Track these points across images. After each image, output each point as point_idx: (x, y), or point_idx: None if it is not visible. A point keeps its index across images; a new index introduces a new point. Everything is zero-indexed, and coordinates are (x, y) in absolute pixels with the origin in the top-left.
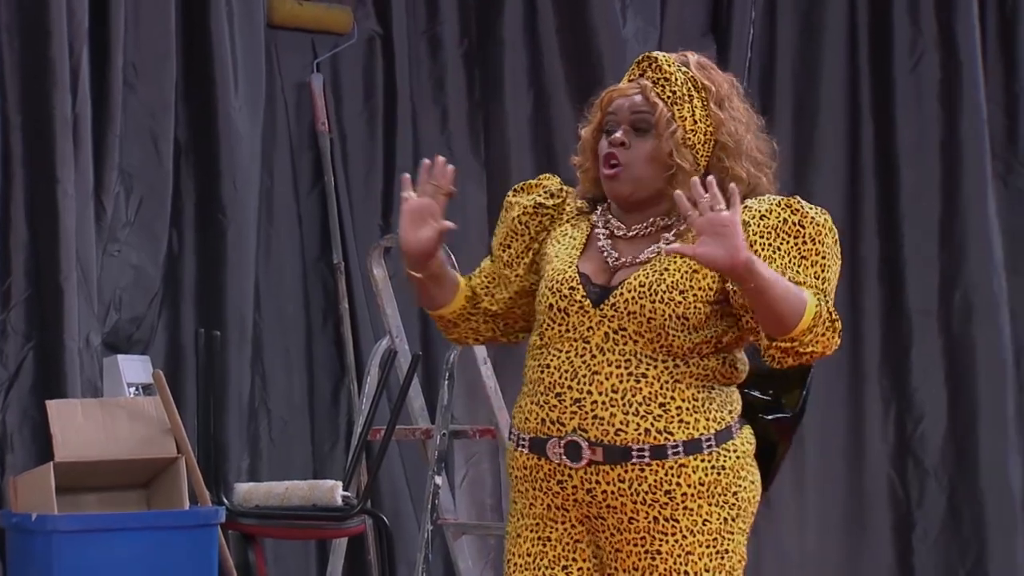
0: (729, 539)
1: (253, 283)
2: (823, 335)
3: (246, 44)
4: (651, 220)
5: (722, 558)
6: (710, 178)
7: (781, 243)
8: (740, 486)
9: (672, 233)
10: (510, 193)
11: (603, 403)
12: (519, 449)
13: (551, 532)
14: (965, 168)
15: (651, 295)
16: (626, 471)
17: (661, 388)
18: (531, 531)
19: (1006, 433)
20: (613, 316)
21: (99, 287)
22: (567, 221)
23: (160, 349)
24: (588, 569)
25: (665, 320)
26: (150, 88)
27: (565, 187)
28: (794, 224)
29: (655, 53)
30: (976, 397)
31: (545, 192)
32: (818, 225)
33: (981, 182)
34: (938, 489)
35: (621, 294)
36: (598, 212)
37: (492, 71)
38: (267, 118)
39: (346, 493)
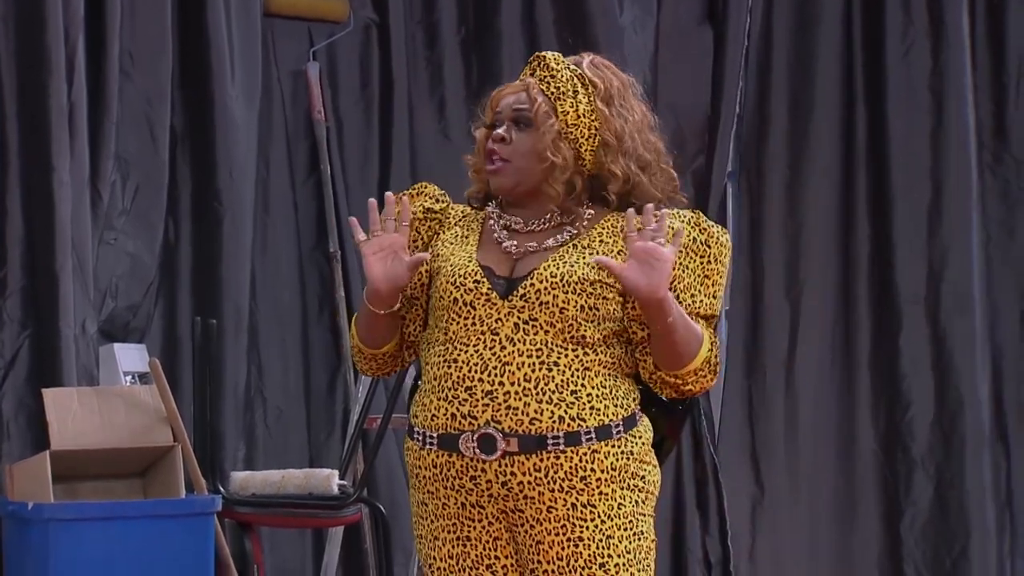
0: (642, 521)
1: (249, 272)
2: (704, 377)
3: (242, 32)
4: (548, 216)
5: (639, 540)
6: (663, 211)
7: (689, 261)
8: (646, 470)
9: (573, 228)
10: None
11: (516, 393)
12: (427, 447)
13: (469, 531)
14: (953, 157)
15: (563, 286)
16: (541, 460)
17: (572, 376)
18: (449, 532)
19: (988, 421)
20: (523, 307)
21: (95, 275)
22: (455, 224)
23: (156, 338)
24: (511, 566)
25: (577, 311)
26: (146, 77)
27: (443, 193)
28: (701, 243)
29: (546, 52)
30: (962, 386)
31: (430, 198)
32: (721, 246)
33: (966, 171)
34: (925, 478)
35: (532, 284)
36: (490, 208)
37: (489, 60)
38: (263, 107)
39: (342, 482)
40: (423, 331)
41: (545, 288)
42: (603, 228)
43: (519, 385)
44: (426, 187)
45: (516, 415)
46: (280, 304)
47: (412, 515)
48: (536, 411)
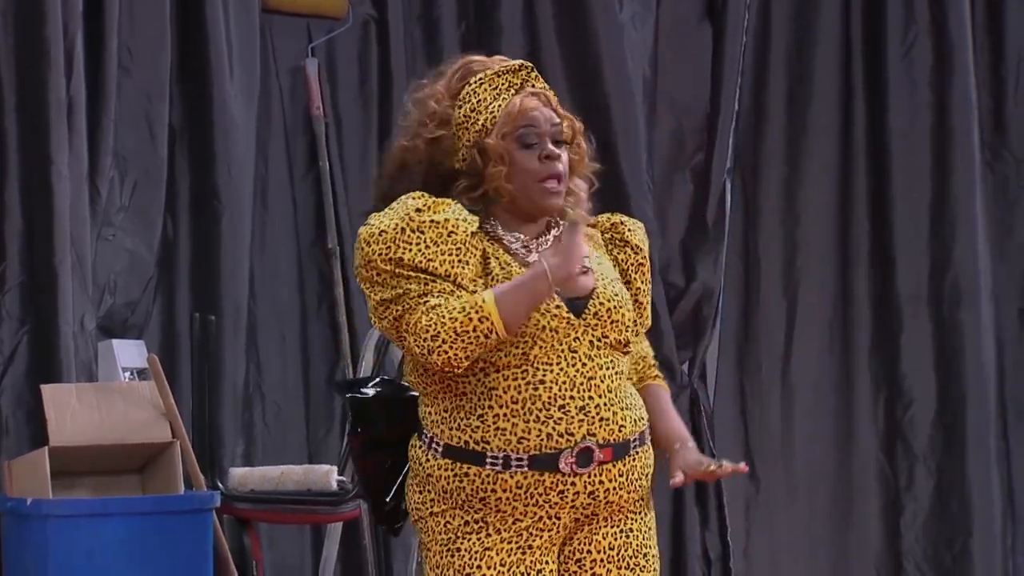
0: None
1: (248, 268)
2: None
3: (241, 28)
4: (548, 229)
5: (656, 534)
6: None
7: (644, 279)
8: None
9: (555, 230)
10: (415, 215)
11: (604, 405)
12: (511, 471)
13: (533, 540)
14: (954, 154)
15: (623, 303)
16: (624, 464)
17: (626, 382)
18: (509, 543)
19: (989, 418)
20: (596, 324)
21: (94, 271)
22: (477, 240)
23: (155, 334)
24: (555, 570)
25: (629, 324)
26: (145, 72)
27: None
28: (645, 256)
29: (526, 63)
30: (965, 383)
31: (456, 206)
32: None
33: (969, 168)
34: (926, 474)
35: (602, 304)
36: (500, 230)
37: (489, 56)
38: (262, 103)
39: (341, 478)
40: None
41: (614, 306)
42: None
43: (604, 397)
44: (434, 197)
45: (608, 425)
46: (279, 300)
47: (442, 533)
48: (622, 419)
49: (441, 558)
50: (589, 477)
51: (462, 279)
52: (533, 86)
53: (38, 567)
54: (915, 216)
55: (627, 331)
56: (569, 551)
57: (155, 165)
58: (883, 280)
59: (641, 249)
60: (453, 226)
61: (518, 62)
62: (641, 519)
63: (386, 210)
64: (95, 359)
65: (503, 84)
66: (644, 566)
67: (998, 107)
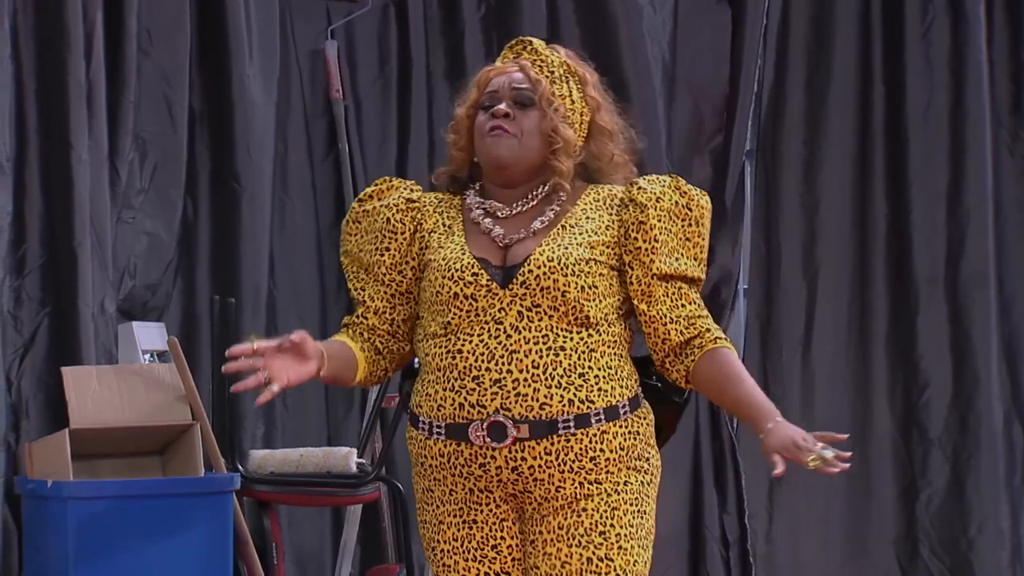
0: (647, 502)
1: (267, 250)
2: None
3: (260, 11)
4: (528, 195)
5: (642, 518)
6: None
7: (671, 225)
8: (651, 453)
9: (556, 206)
10: (356, 205)
11: (524, 380)
12: (433, 437)
13: (476, 515)
14: (971, 136)
15: (562, 269)
16: (552, 443)
17: (579, 359)
18: (455, 516)
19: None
20: (525, 294)
21: (114, 254)
22: (433, 212)
23: (175, 316)
24: (515, 546)
25: (578, 292)
26: (164, 54)
27: (415, 183)
28: (683, 207)
29: (528, 38)
30: (979, 367)
31: (405, 189)
32: (702, 208)
33: (985, 151)
34: (942, 458)
35: (531, 271)
36: (470, 195)
37: (508, 38)
38: (281, 85)
39: (360, 460)
40: (418, 321)
41: (544, 273)
42: (586, 204)
43: (527, 372)
44: (393, 180)
45: (526, 401)
46: (298, 282)
47: (416, 501)
48: (546, 396)
49: (420, 528)
50: (510, 452)
51: (380, 267)
52: (519, 57)
53: (59, 549)
54: (932, 198)
55: (568, 297)
56: (525, 534)
57: (175, 147)
58: (899, 263)
59: (645, 207)
60: (376, 214)
61: (517, 38)
62: (599, 500)
63: None
64: (115, 341)
65: (499, 61)
66: (601, 543)
67: (1016, 89)
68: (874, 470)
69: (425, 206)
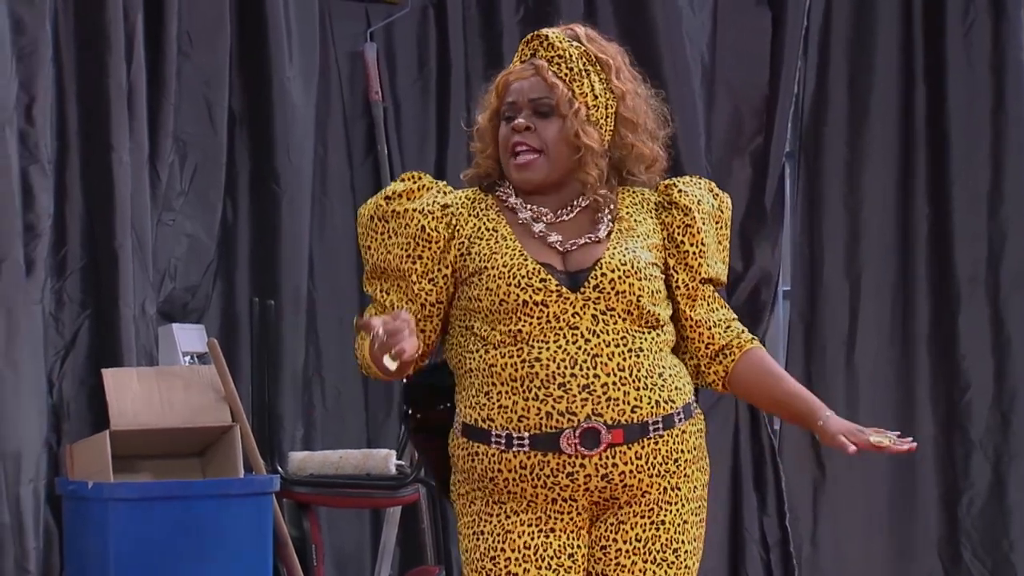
0: (705, 505)
1: (307, 252)
2: None
3: (300, 13)
4: (573, 203)
5: (702, 526)
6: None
7: (711, 228)
8: (707, 450)
9: (607, 213)
10: (383, 202)
11: (613, 383)
12: (513, 450)
13: (555, 523)
14: (1012, 136)
15: (635, 273)
16: (643, 447)
17: (655, 359)
18: (530, 525)
19: None
20: (599, 298)
21: (154, 256)
22: (469, 215)
23: (215, 318)
24: (585, 555)
25: (649, 295)
26: (204, 57)
27: (443, 182)
28: (716, 209)
29: (544, 31)
30: (1021, 368)
31: (439, 192)
32: (729, 210)
33: None
34: (983, 459)
35: (604, 275)
36: (509, 196)
37: None
38: (321, 87)
39: (400, 462)
40: (444, 334)
41: (620, 277)
42: (629, 207)
43: (615, 375)
44: (423, 178)
45: (618, 405)
46: (338, 284)
47: (467, 515)
48: (636, 399)
49: (468, 542)
50: (600, 459)
51: (411, 275)
52: (536, 54)
53: (99, 550)
54: (974, 199)
55: (643, 301)
56: (596, 535)
57: (215, 149)
58: (941, 263)
59: (691, 210)
60: (409, 218)
61: (533, 33)
62: (676, 511)
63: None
64: (156, 343)
65: (516, 59)
66: (673, 562)
67: None
68: (918, 471)
69: (459, 210)
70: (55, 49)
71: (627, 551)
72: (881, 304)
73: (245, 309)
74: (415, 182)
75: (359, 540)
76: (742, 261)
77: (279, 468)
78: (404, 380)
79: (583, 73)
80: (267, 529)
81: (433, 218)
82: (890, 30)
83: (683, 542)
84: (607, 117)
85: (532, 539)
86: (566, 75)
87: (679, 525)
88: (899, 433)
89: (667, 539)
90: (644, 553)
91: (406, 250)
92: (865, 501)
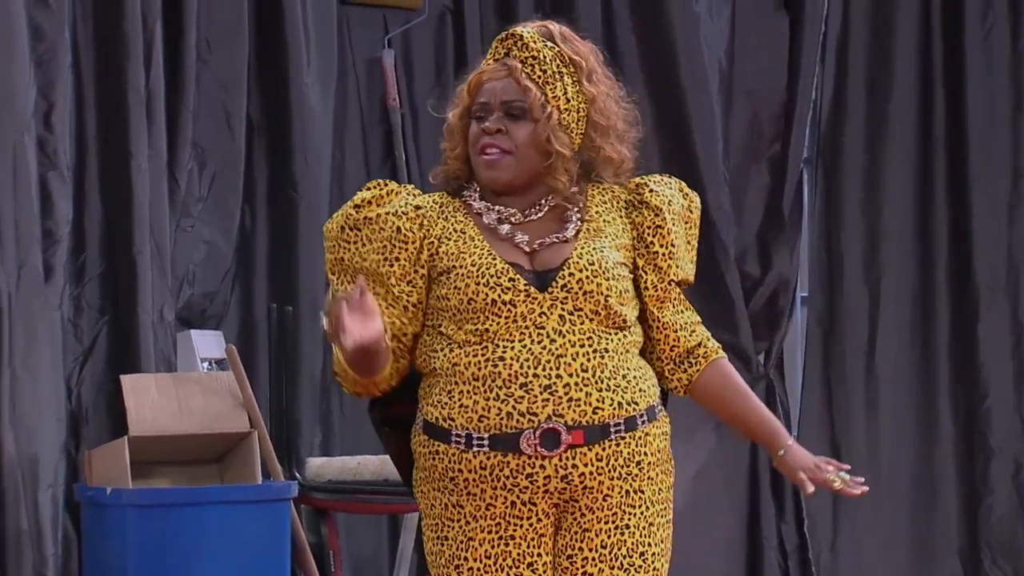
0: (671, 507)
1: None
2: None
3: (318, 20)
4: (540, 203)
5: (669, 527)
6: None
7: (680, 229)
8: (672, 453)
9: (575, 212)
10: (352, 211)
11: (576, 384)
12: (473, 450)
13: (514, 530)
14: None
15: (602, 273)
16: (603, 448)
17: (620, 360)
18: (489, 532)
19: None
20: (566, 298)
21: (172, 262)
22: (438, 217)
23: (233, 324)
24: (549, 563)
25: (617, 295)
26: (223, 63)
27: (411, 187)
28: (685, 209)
29: (518, 30)
30: None
31: (408, 195)
32: (698, 211)
33: None
34: (1003, 466)
35: (572, 275)
36: (473, 198)
37: None
38: (338, 94)
39: None
40: (419, 334)
41: (587, 277)
42: (598, 205)
43: (577, 376)
44: (388, 183)
45: (579, 406)
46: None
47: (430, 517)
48: (598, 400)
49: (433, 545)
50: (560, 460)
51: (390, 277)
52: (509, 54)
53: (117, 556)
54: (994, 205)
55: (610, 301)
56: (562, 544)
57: (233, 156)
58: (961, 269)
59: (661, 210)
60: (383, 222)
61: (508, 31)
62: (641, 514)
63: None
64: (174, 349)
65: (489, 56)
66: (641, 566)
67: None
68: (939, 478)
69: (429, 212)
70: (74, 56)
71: (593, 559)
72: (900, 310)
73: (263, 315)
74: (381, 188)
75: (377, 546)
76: (760, 267)
77: (297, 474)
78: (382, 392)
79: (556, 76)
80: (285, 535)
81: (407, 219)
82: (908, 35)
83: (650, 544)
84: (578, 120)
85: (493, 547)
86: (539, 78)
87: (644, 528)
88: (849, 468)
89: (633, 543)
90: (611, 559)
91: (383, 254)
92: (884, 507)
